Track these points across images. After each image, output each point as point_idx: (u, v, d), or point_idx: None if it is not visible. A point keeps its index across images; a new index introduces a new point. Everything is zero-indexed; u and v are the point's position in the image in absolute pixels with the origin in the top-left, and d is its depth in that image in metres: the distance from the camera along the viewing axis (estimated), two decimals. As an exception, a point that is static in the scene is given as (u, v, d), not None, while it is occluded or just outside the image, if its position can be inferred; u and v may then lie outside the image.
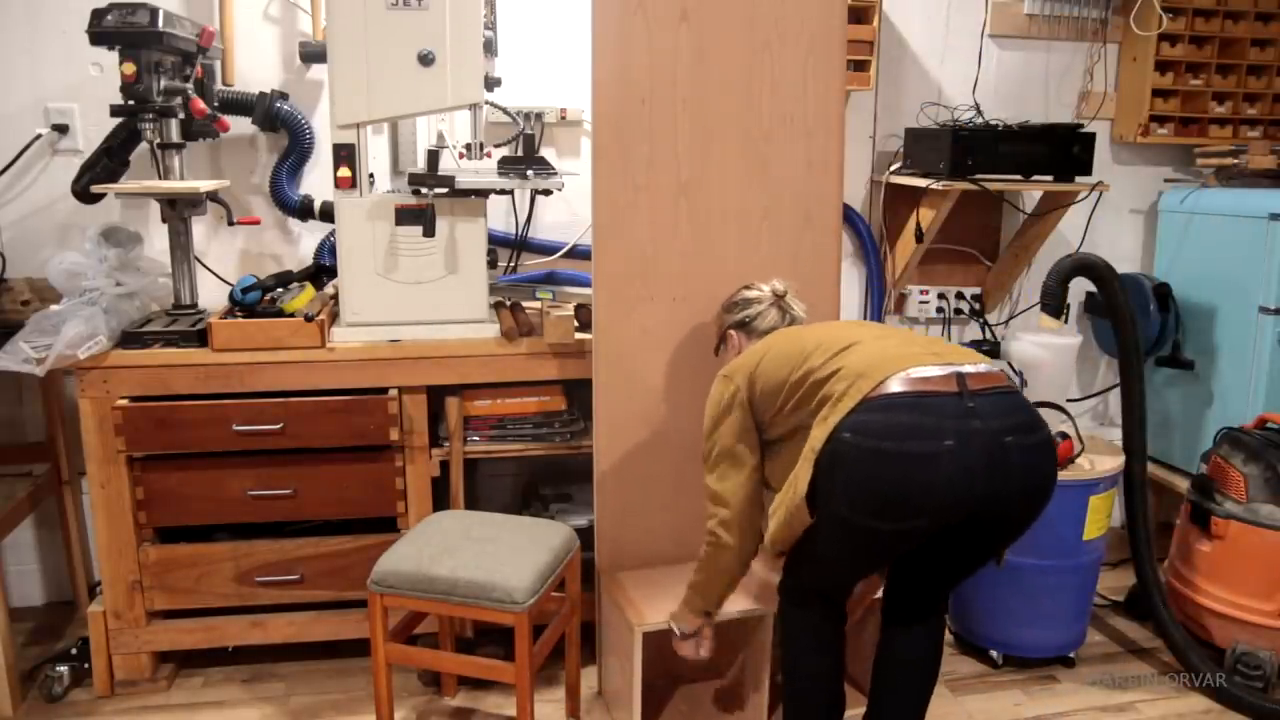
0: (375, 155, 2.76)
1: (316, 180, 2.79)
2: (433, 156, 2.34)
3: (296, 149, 2.71)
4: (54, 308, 2.27)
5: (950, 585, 1.92)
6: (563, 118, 2.87)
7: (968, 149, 2.74)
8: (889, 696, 1.94)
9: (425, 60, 2.29)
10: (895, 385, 1.62)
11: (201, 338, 2.36)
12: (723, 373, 1.93)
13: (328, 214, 2.70)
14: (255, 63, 2.73)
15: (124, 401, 2.30)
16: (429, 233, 2.38)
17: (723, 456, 1.89)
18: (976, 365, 1.69)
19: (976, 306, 3.25)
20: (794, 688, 1.92)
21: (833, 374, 1.71)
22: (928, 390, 1.61)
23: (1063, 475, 2.47)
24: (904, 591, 1.92)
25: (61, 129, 2.67)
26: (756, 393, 1.86)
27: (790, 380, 1.79)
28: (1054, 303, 2.60)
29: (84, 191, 2.53)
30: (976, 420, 1.59)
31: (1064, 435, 2.50)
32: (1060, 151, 2.82)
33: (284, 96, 2.69)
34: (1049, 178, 2.87)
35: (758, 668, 2.27)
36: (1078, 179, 2.88)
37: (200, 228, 2.78)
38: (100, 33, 2.25)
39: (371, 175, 2.64)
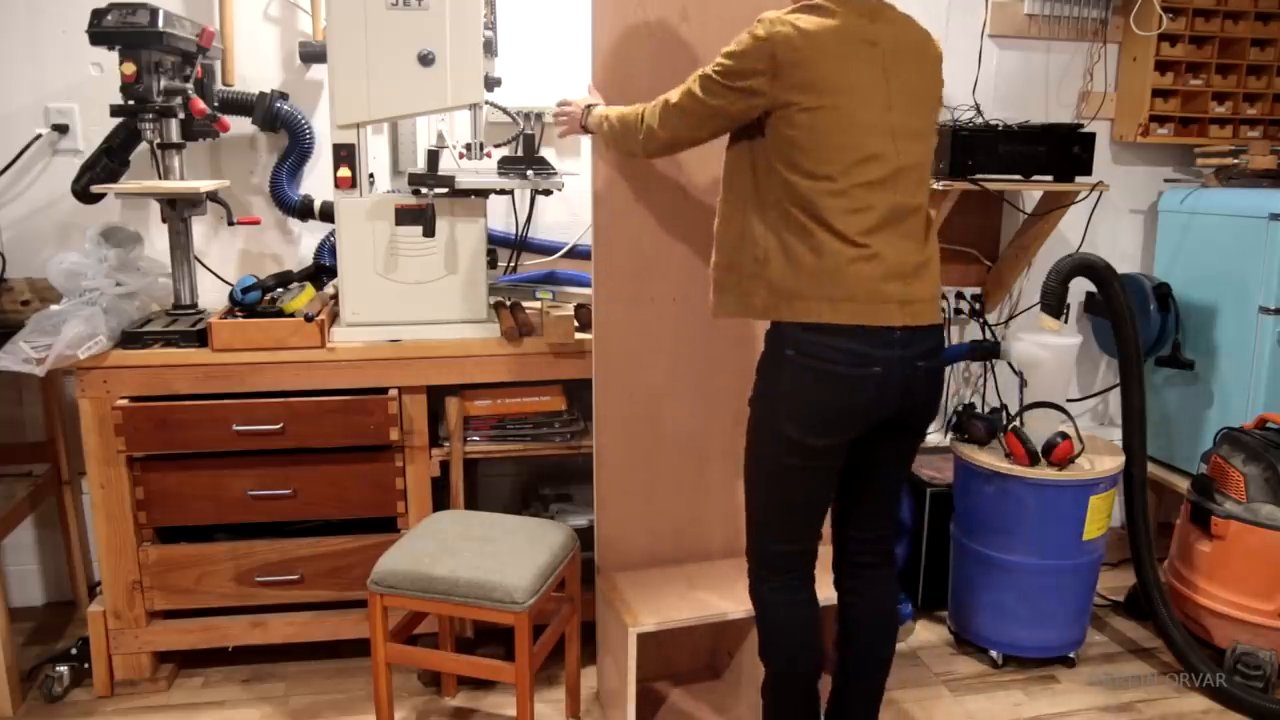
0: (375, 155, 2.76)
1: (316, 180, 2.79)
2: (433, 156, 2.34)
3: (296, 149, 2.71)
4: (54, 308, 2.27)
5: (879, 516, 1.99)
6: (563, 118, 2.87)
7: (968, 149, 2.74)
8: (852, 661, 2.01)
9: (425, 60, 2.30)
10: (848, 318, 1.74)
11: (201, 338, 2.36)
12: (760, 34, 1.73)
13: (328, 214, 2.71)
14: (255, 63, 2.73)
15: (124, 401, 2.30)
16: (429, 233, 2.38)
17: (693, 98, 1.81)
18: (929, 320, 1.81)
19: (976, 306, 3.25)
20: (776, 667, 1.95)
21: (822, 242, 1.72)
22: (870, 324, 1.76)
23: (1063, 475, 2.47)
24: (845, 530, 2.02)
25: (61, 129, 2.67)
26: (778, 101, 1.72)
27: (806, 164, 1.72)
28: (1054, 303, 2.60)
29: (84, 191, 2.53)
30: (899, 349, 1.77)
31: (1064, 435, 2.50)
32: (1060, 151, 2.82)
33: (284, 96, 2.69)
34: (1049, 178, 2.87)
35: (752, 669, 2.27)
36: (1078, 179, 2.87)
37: (200, 228, 2.78)
38: (100, 33, 2.25)
39: (371, 175, 2.64)
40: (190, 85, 2.42)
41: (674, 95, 1.85)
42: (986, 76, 3.15)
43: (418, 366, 2.41)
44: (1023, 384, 2.69)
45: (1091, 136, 2.83)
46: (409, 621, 2.32)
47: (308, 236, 2.86)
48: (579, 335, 2.46)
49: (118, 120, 2.45)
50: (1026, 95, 3.21)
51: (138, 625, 2.42)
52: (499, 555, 2.10)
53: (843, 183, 1.71)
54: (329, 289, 2.69)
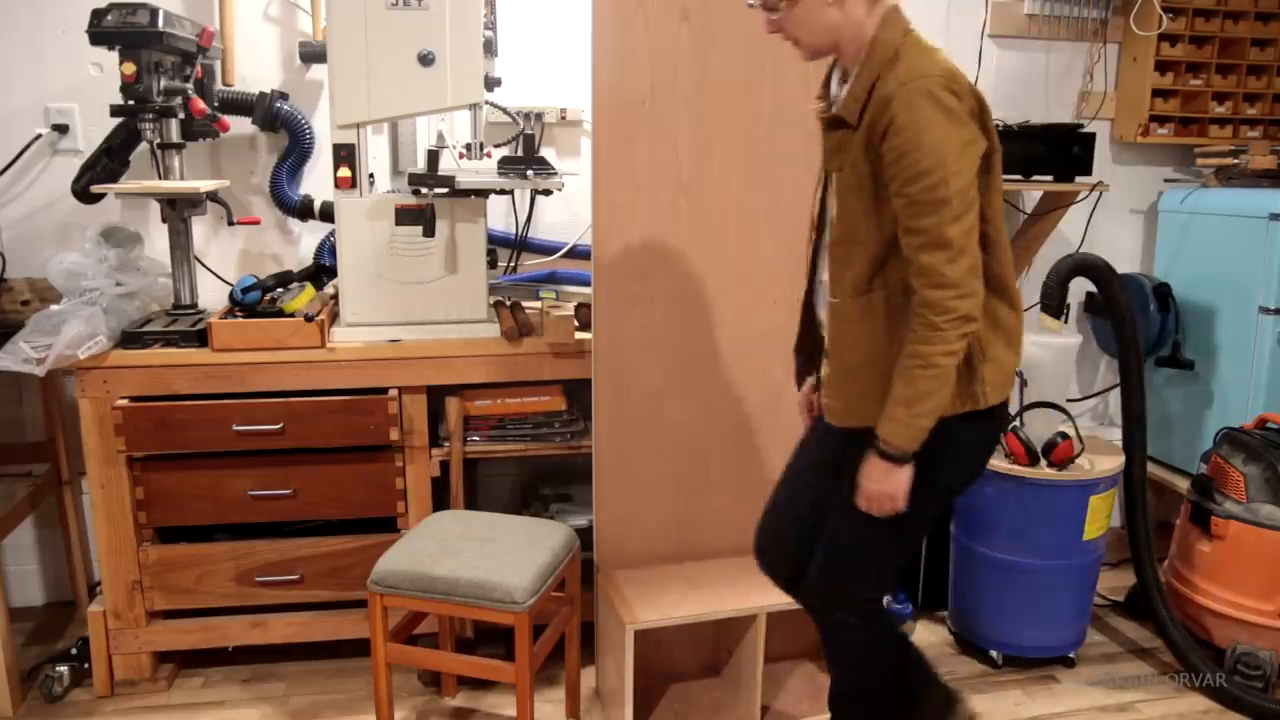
0: (375, 155, 2.76)
1: (316, 180, 2.79)
2: (433, 156, 2.34)
3: (296, 149, 2.71)
4: (54, 308, 2.27)
5: None
6: (563, 118, 2.87)
7: (968, 149, 2.74)
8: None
9: (425, 60, 2.30)
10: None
11: (201, 338, 2.36)
12: (935, 90, 1.52)
13: (328, 214, 2.71)
14: (255, 63, 2.73)
15: (124, 401, 2.30)
16: (429, 233, 2.38)
17: (963, 198, 1.52)
18: None
19: (976, 306, 3.25)
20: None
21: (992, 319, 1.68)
22: None
23: (1063, 475, 2.47)
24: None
25: (61, 129, 2.67)
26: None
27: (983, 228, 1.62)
28: (1054, 303, 2.60)
29: (84, 191, 2.53)
30: None
31: (1064, 435, 2.50)
32: (1060, 151, 2.82)
33: (284, 96, 2.69)
34: (1049, 178, 2.87)
35: (751, 666, 2.27)
36: (1078, 179, 2.88)
37: (200, 228, 2.78)
38: (100, 33, 2.25)
39: (371, 175, 2.64)
40: (190, 85, 2.43)
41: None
42: (986, 76, 3.15)
43: (418, 366, 2.40)
44: (1023, 384, 2.69)
45: (1091, 136, 2.83)
46: (409, 621, 2.31)
47: (308, 236, 2.86)
48: (579, 335, 2.46)
49: (118, 120, 2.45)
50: (1026, 95, 3.21)
51: (138, 625, 2.42)
52: (499, 555, 2.10)
53: None
54: (329, 289, 2.69)
